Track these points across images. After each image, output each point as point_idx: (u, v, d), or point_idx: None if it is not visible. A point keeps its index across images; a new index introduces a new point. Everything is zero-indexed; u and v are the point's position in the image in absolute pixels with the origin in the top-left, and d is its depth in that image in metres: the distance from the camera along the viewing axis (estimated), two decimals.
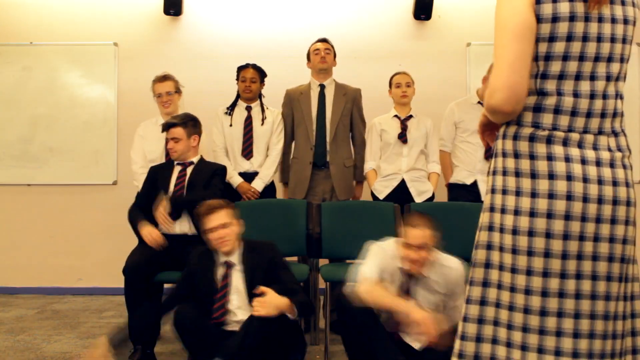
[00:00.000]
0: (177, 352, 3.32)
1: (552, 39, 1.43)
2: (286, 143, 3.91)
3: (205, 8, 5.04)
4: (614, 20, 1.46)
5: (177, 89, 3.76)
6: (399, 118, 3.81)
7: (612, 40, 1.45)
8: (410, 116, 3.82)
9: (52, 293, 4.95)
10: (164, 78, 3.72)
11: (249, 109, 3.86)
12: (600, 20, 1.44)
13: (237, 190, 3.73)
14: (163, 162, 3.55)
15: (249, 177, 3.78)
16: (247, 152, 3.79)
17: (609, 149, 1.48)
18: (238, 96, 3.90)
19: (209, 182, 3.32)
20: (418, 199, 3.72)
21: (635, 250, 1.53)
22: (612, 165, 1.46)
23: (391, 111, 3.87)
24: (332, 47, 3.87)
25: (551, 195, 1.43)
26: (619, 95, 1.51)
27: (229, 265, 2.78)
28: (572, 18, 1.42)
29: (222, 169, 3.44)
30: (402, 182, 3.74)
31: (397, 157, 3.75)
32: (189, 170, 3.34)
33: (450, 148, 3.89)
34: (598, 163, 1.45)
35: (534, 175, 1.46)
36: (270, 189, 3.85)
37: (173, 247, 3.20)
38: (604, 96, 1.47)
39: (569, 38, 1.43)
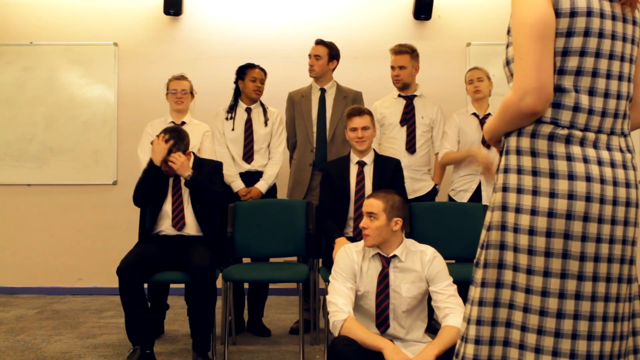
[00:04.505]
0: (177, 352, 3.32)
1: (569, 33, 1.42)
2: (291, 145, 3.91)
3: (205, 8, 5.04)
4: (625, 20, 1.47)
5: (191, 91, 3.82)
6: (477, 116, 3.75)
7: (624, 39, 1.46)
8: (489, 114, 3.74)
9: (52, 293, 4.95)
10: (182, 77, 3.81)
11: (248, 110, 3.85)
12: (614, 18, 1.45)
13: (238, 194, 3.74)
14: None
15: (249, 176, 3.77)
16: (248, 156, 3.78)
17: (621, 150, 1.48)
18: (237, 96, 3.87)
19: (210, 179, 3.35)
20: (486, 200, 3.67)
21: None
22: (624, 167, 1.46)
23: (469, 108, 3.80)
24: (327, 47, 3.80)
25: (571, 196, 1.41)
26: (629, 97, 1.51)
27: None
28: (589, 13, 1.42)
29: (219, 166, 3.47)
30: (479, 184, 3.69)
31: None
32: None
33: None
34: (612, 164, 1.45)
35: (553, 175, 1.43)
36: (270, 188, 3.84)
37: (173, 247, 3.20)
38: (618, 96, 1.47)
39: (586, 33, 1.42)
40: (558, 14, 1.42)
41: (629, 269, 1.48)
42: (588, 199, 1.41)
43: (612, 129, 1.47)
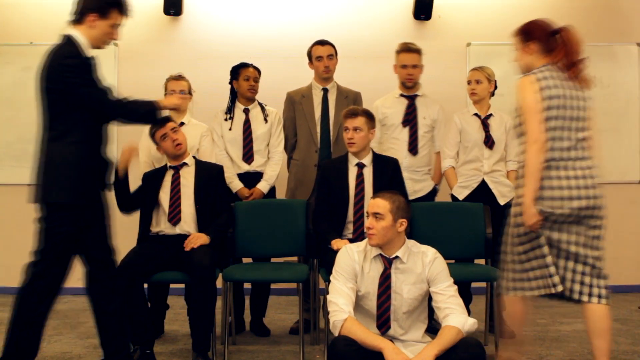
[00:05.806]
0: (177, 352, 3.33)
1: (549, 108, 2.51)
2: (290, 145, 3.91)
3: (205, 8, 5.04)
4: (578, 97, 2.56)
5: (190, 91, 3.80)
6: (479, 117, 3.74)
7: (578, 108, 2.55)
8: (491, 115, 3.74)
9: None
10: (180, 77, 3.78)
11: (246, 111, 3.83)
12: (571, 97, 2.55)
13: (237, 194, 3.73)
14: (156, 168, 3.53)
15: (249, 177, 3.77)
16: (248, 157, 3.78)
17: (582, 168, 2.53)
18: (235, 97, 3.85)
19: (216, 185, 3.36)
20: (502, 200, 3.64)
21: None
22: (584, 177, 2.51)
23: (471, 108, 3.80)
24: (334, 47, 3.84)
25: (552, 198, 2.53)
26: (584, 138, 2.55)
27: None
28: (558, 96, 2.52)
29: (221, 171, 3.47)
30: (483, 182, 3.68)
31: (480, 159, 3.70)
32: (184, 172, 3.35)
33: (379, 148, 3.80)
34: (576, 177, 2.51)
35: (542, 188, 2.52)
36: (270, 189, 3.84)
37: (173, 246, 3.20)
38: (576, 139, 2.54)
39: (558, 107, 2.52)
40: (543, 98, 2.50)
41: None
42: (569, 198, 2.50)
43: (577, 157, 2.53)
